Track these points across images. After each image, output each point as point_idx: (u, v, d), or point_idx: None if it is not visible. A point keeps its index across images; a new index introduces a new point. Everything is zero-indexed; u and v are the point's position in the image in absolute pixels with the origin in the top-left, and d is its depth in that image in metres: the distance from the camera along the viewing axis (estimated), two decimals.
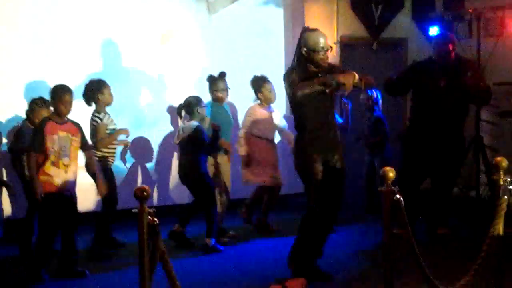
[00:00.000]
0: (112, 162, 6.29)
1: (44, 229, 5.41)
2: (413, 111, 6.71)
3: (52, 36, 7.11)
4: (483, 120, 8.15)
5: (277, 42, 8.38)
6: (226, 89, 6.67)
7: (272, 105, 6.91)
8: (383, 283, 3.95)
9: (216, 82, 6.63)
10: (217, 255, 6.16)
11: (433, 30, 8.17)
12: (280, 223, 7.17)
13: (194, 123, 6.26)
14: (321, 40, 4.97)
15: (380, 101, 7.70)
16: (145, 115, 7.61)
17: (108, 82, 6.37)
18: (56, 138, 5.36)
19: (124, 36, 7.52)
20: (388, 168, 3.90)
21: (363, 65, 8.98)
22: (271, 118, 6.85)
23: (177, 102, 6.70)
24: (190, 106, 6.32)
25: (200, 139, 6.20)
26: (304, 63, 5.05)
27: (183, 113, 6.43)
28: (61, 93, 5.43)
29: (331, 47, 5.09)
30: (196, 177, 6.30)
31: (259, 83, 6.80)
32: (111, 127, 6.25)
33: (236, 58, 7.85)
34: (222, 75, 6.66)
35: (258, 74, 6.85)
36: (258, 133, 6.79)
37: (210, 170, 6.53)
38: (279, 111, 7.20)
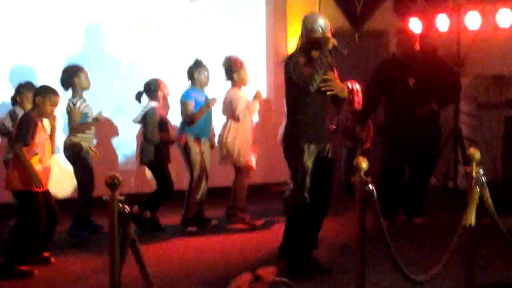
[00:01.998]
0: (88, 149, 6.25)
1: (27, 226, 5.16)
2: (387, 106, 6.76)
3: (32, 22, 7.09)
4: (462, 112, 8.20)
5: (259, 30, 8.37)
6: (207, 76, 6.70)
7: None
8: (355, 272, 3.99)
9: (202, 67, 6.67)
10: (194, 243, 6.15)
11: (414, 23, 8.17)
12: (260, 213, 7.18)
13: (152, 103, 6.35)
14: (319, 21, 4.94)
15: (360, 95, 7.69)
16: (125, 102, 7.56)
17: (88, 68, 6.35)
18: (42, 135, 5.30)
19: (105, 23, 7.51)
20: (361, 158, 3.93)
21: (345, 57, 8.98)
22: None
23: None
24: (150, 89, 6.44)
25: (150, 120, 6.31)
26: (306, 49, 4.97)
27: (143, 98, 6.51)
28: (52, 94, 5.34)
29: (331, 29, 5.02)
30: (151, 159, 6.45)
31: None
32: (85, 111, 6.21)
33: (217, 45, 7.82)
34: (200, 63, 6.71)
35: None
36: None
37: (197, 157, 6.58)
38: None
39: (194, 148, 6.61)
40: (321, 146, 5.01)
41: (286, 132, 5.13)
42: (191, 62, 6.71)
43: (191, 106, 6.53)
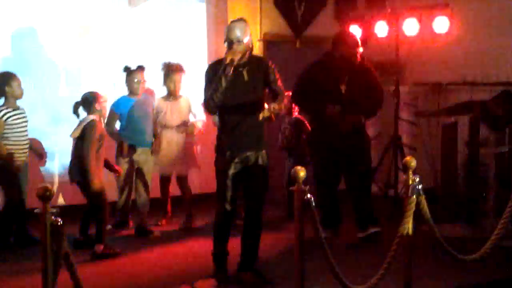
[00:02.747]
0: (22, 160, 6.08)
1: None
2: (315, 115, 6.62)
3: None
4: (402, 119, 8.29)
5: (200, 37, 8.29)
6: (141, 82, 6.68)
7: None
8: (295, 282, 3.98)
9: (132, 74, 6.65)
10: (135, 256, 6.03)
11: (354, 29, 8.22)
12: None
13: (91, 116, 6.00)
14: (236, 31, 4.87)
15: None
16: (62, 110, 7.39)
17: (24, 75, 6.20)
18: None
19: (42, 28, 7.29)
20: (299, 167, 3.93)
21: (286, 63, 9.04)
22: None
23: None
24: (87, 102, 6.06)
25: (89, 135, 5.90)
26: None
27: (80, 110, 6.17)
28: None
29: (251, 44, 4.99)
30: (83, 175, 5.94)
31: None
32: (14, 122, 6.04)
33: (157, 52, 7.72)
34: (139, 68, 6.71)
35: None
36: None
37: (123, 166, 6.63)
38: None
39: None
40: (246, 154, 4.97)
41: (216, 141, 5.14)
42: (126, 66, 6.74)
43: (111, 114, 6.64)
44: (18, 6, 7.13)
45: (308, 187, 3.89)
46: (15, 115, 6.05)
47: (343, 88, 6.29)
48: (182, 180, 7.08)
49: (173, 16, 8.04)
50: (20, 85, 6.09)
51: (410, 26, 7.81)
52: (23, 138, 6.14)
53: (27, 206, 6.12)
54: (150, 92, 7.20)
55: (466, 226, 6.76)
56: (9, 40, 7.12)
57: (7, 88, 6.03)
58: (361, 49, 6.34)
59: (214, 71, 4.91)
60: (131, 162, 6.72)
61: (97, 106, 6.05)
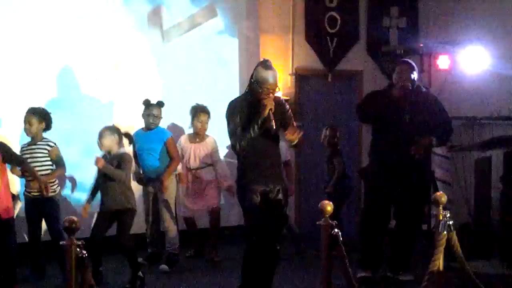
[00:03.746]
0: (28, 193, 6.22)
1: None
2: (374, 146, 6.21)
3: (5, 62, 6.99)
4: (435, 153, 8.21)
5: (232, 72, 8.34)
6: (156, 116, 6.78)
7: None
8: None
9: (149, 108, 6.78)
10: None
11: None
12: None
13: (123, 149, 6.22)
14: (270, 78, 4.95)
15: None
16: (95, 143, 7.49)
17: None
18: None
19: (78, 62, 7.41)
20: (326, 202, 3.90)
21: (318, 97, 9.06)
22: None
23: (130, 129, 6.70)
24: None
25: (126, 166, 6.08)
26: (251, 96, 5.07)
27: None
28: None
29: (278, 88, 5.09)
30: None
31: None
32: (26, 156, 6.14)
33: (190, 87, 7.80)
34: (158, 103, 6.83)
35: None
36: None
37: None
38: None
39: None
40: (269, 187, 5.04)
41: (237, 174, 5.22)
42: (146, 99, 6.85)
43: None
44: (57, 40, 7.25)
45: (335, 222, 3.85)
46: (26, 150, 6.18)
47: (407, 117, 5.89)
48: (213, 213, 7.12)
49: (206, 51, 8.11)
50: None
51: (443, 60, 7.80)
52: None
53: None
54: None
55: (500, 263, 6.63)
56: (48, 74, 7.24)
57: None
58: (415, 77, 5.95)
59: (239, 108, 5.02)
60: (148, 193, 6.87)
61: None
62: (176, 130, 7.54)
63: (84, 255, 3.32)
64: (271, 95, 4.97)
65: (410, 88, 5.90)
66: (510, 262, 6.58)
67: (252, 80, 5.04)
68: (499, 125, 7.91)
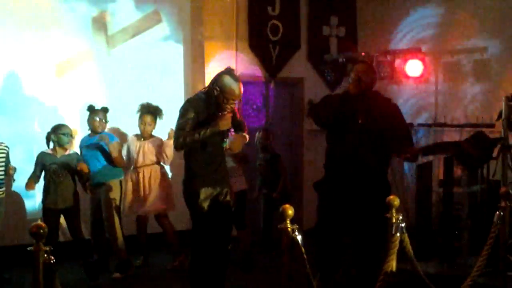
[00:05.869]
0: None
1: None
2: (329, 155, 5.81)
3: None
4: None
5: (177, 78, 8.36)
6: (100, 121, 6.80)
7: None
8: None
9: (94, 113, 6.80)
10: None
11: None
12: None
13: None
14: (236, 90, 5.01)
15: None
16: (40, 148, 7.38)
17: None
18: None
19: (22, 66, 7.32)
20: (287, 205, 3.96)
21: (262, 103, 9.18)
22: None
23: (73, 134, 6.73)
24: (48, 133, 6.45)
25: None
26: (213, 100, 5.08)
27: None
28: None
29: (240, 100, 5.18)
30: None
31: None
32: None
33: (135, 93, 7.77)
34: (103, 108, 6.86)
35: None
36: None
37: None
38: None
39: None
40: (217, 190, 5.11)
41: (184, 177, 5.23)
42: (90, 105, 6.86)
43: None
44: (0, 46, 7.13)
45: (296, 225, 3.92)
46: None
47: (360, 119, 5.50)
48: (162, 219, 7.07)
49: (151, 57, 8.09)
50: None
51: (383, 68, 8.02)
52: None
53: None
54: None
55: (440, 264, 6.88)
56: None
57: None
58: (373, 78, 5.67)
59: (196, 107, 5.04)
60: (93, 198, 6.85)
61: (53, 137, 6.40)
62: (121, 135, 7.48)
63: (52, 261, 3.29)
64: (232, 106, 5.04)
65: (366, 86, 5.59)
66: (450, 262, 6.85)
67: (216, 87, 5.03)
68: (438, 132, 8.18)
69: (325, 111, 5.70)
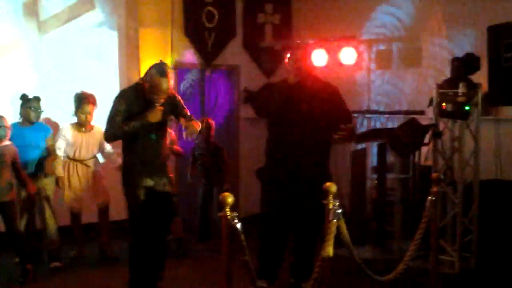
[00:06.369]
0: None
1: None
2: (270, 144, 5.69)
3: None
4: None
5: (111, 65, 8.24)
6: (36, 110, 6.62)
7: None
8: None
9: (28, 102, 6.61)
10: None
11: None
12: None
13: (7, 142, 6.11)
14: (164, 84, 5.01)
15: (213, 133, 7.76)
16: None
17: None
18: None
19: None
20: (227, 193, 3.98)
21: (197, 90, 9.15)
22: None
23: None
24: None
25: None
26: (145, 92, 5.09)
27: None
28: None
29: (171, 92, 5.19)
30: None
31: None
32: None
33: (68, 80, 7.62)
34: (35, 98, 6.66)
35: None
36: None
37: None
38: None
39: None
40: (154, 180, 5.15)
41: (122, 169, 5.30)
42: (23, 94, 6.65)
43: None
44: None
45: (236, 213, 3.94)
46: None
47: (304, 107, 5.44)
48: (103, 212, 6.99)
49: (84, 44, 7.95)
50: None
51: (319, 57, 8.11)
52: None
53: None
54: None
55: (373, 248, 7.03)
56: None
57: None
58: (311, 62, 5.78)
59: (128, 98, 5.08)
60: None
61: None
62: (53, 124, 7.31)
63: None
64: (162, 100, 5.06)
65: (306, 73, 5.54)
66: (383, 247, 7.01)
67: (146, 82, 5.05)
68: (370, 118, 8.34)
69: (267, 102, 5.68)
